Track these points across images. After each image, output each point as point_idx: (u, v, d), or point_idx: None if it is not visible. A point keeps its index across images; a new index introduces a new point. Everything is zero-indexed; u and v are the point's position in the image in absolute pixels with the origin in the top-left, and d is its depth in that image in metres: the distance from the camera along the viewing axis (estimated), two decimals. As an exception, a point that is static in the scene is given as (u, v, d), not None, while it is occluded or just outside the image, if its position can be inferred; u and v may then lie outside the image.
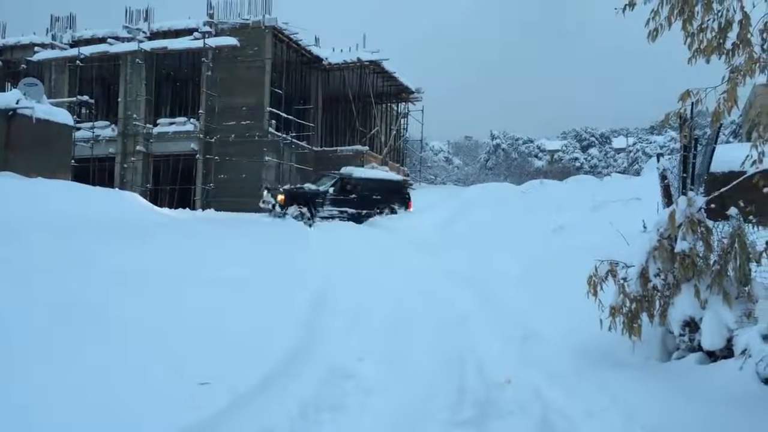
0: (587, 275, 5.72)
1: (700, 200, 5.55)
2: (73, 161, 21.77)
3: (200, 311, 6.83)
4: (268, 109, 29.33)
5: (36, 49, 32.18)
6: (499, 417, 4.67)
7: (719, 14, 4.85)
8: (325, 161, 31.83)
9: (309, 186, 22.58)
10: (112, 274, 7.68)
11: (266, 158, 28.96)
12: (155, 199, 27.35)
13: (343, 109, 36.65)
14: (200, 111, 29.74)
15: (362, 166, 28.19)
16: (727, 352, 4.95)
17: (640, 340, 5.53)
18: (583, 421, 4.44)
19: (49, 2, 39.94)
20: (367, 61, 33.48)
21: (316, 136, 34.11)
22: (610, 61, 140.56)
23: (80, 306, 6.31)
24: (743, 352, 4.65)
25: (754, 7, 4.73)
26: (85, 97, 30.97)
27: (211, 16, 30.30)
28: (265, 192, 22.70)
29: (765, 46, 4.68)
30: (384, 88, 36.81)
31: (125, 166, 30.54)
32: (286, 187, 23.55)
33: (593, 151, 72.45)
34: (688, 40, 4.99)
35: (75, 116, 25.86)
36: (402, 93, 38.75)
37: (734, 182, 5.82)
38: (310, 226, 18.88)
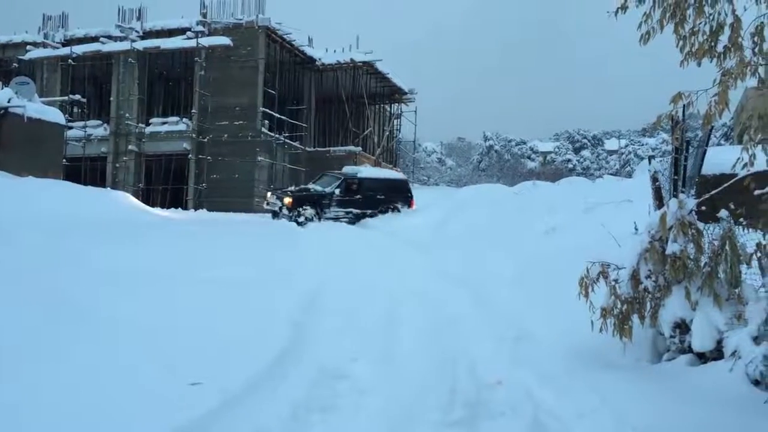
0: (579, 277, 5.74)
1: (691, 202, 5.57)
2: (64, 160, 21.68)
3: (192, 311, 6.81)
4: (261, 109, 29.30)
5: (28, 47, 32.05)
6: (490, 418, 4.68)
7: (711, 17, 4.88)
8: (318, 162, 31.82)
9: (315, 187, 22.46)
10: (102, 273, 7.66)
11: (259, 158, 28.92)
12: (147, 198, 27.27)
13: (336, 109, 36.67)
14: (193, 111, 29.68)
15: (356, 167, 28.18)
16: (718, 353, 4.97)
17: (631, 342, 5.55)
18: (574, 422, 4.45)
19: (41, 1, 39.82)
20: (360, 62, 33.51)
21: (309, 137, 34.10)
22: (602, 63, 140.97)
23: (71, 305, 6.28)
24: (733, 354, 4.67)
25: (745, 10, 4.76)
26: (77, 96, 30.85)
27: (204, 15, 30.25)
28: (269, 194, 22.62)
29: (756, 50, 4.71)
30: (377, 89, 36.84)
31: (117, 165, 30.44)
32: (292, 188, 23.48)
33: (586, 152, 72.70)
34: (680, 43, 5.02)
35: (67, 115, 25.77)
36: (395, 94, 38.79)
37: (725, 185, 5.85)
38: (301, 225, 18.85)
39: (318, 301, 8.27)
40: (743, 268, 5.13)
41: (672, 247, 5.29)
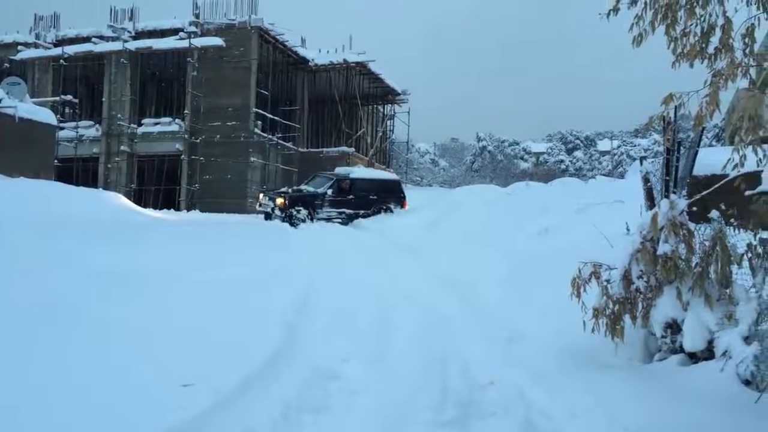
0: (571, 277, 5.75)
1: (683, 203, 5.59)
2: (56, 161, 21.62)
3: (184, 312, 6.80)
4: (253, 109, 29.27)
5: (19, 48, 31.92)
6: (482, 418, 4.68)
7: (702, 19, 4.90)
8: (311, 162, 31.81)
9: (307, 188, 22.45)
10: (93, 274, 7.63)
11: (252, 159, 28.88)
12: (139, 199, 27.19)
13: (329, 110, 36.67)
14: (185, 111, 29.62)
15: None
16: (709, 353, 4.99)
17: (622, 342, 5.56)
18: (566, 421, 4.46)
19: (32, 1, 39.67)
20: (353, 63, 33.52)
21: (302, 137, 34.08)
22: (596, 65, 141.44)
23: (62, 306, 6.26)
24: (724, 354, 4.69)
25: (736, 11, 4.78)
26: (69, 97, 30.74)
27: (196, 16, 30.19)
28: (261, 195, 22.60)
29: (747, 51, 4.73)
30: (370, 90, 36.86)
31: (109, 166, 30.36)
32: (284, 189, 23.46)
33: (578, 153, 72.94)
34: (672, 44, 5.04)
35: (58, 116, 25.65)
36: (388, 95, 38.82)
37: (716, 185, 5.87)
38: (294, 226, 18.84)
39: (310, 302, 8.26)
40: (734, 268, 5.15)
41: (663, 248, 5.30)
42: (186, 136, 29.29)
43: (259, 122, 29.76)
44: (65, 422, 4.05)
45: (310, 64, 33.67)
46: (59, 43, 31.87)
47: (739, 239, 5.21)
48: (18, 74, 26.49)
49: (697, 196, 5.89)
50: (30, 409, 4.15)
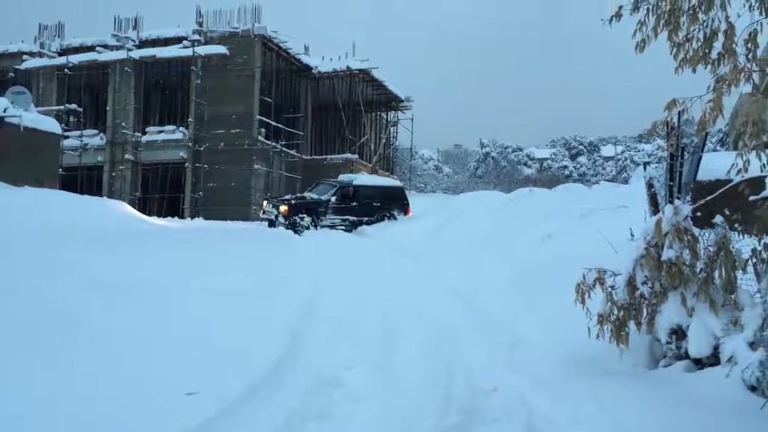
0: (575, 283, 5.73)
1: (687, 208, 5.57)
2: (60, 170, 21.69)
3: (188, 320, 6.79)
4: (257, 117, 29.33)
5: (24, 57, 32.06)
6: (485, 423, 4.67)
7: (704, 24, 4.90)
8: (314, 169, 31.86)
9: (311, 195, 22.46)
10: (98, 283, 7.63)
11: (255, 167, 28.93)
12: (144, 207, 27.24)
13: (332, 117, 36.72)
14: (189, 119, 29.70)
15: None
16: (714, 359, 4.97)
17: (627, 348, 5.54)
18: (570, 428, 4.45)
19: (37, 10, 39.92)
20: (356, 70, 33.57)
21: (306, 145, 34.13)
22: (599, 71, 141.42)
23: (67, 315, 6.27)
24: (729, 360, 4.67)
25: (738, 17, 4.78)
26: (74, 106, 30.86)
27: (200, 24, 30.30)
28: (265, 203, 22.64)
29: (750, 56, 4.72)
30: (373, 97, 36.90)
31: (114, 174, 30.43)
32: (288, 197, 23.47)
33: (582, 159, 72.90)
34: (675, 50, 5.04)
35: (63, 125, 25.73)
36: (391, 101, 38.86)
37: (720, 191, 5.86)
38: (298, 233, 18.86)
39: (314, 309, 8.26)
40: (739, 273, 5.13)
41: (668, 253, 5.29)
42: (190, 144, 29.36)
43: (263, 130, 29.81)
44: (71, 429, 4.06)
45: (313, 71, 33.74)
46: (64, 52, 31.99)
47: (744, 244, 5.19)
48: (23, 83, 26.61)
49: (701, 202, 5.86)
50: (36, 417, 4.16)
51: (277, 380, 5.41)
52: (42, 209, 12.49)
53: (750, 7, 4.74)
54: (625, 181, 31.95)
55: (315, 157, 34.47)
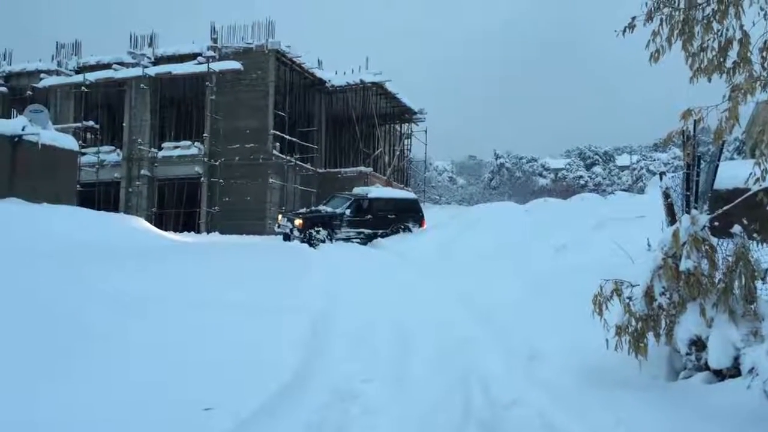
0: (592, 294, 5.70)
1: (704, 218, 5.54)
2: (78, 186, 21.87)
3: (203, 335, 6.82)
4: (271, 131, 29.47)
5: (42, 75, 32.48)
6: (505, 438, 4.64)
7: (719, 33, 4.89)
8: (329, 183, 31.93)
9: (326, 209, 22.55)
10: (117, 299, 7.68)
11: (270, 180, 29.05)
12: (160, 222, 27.40)
13: (346, 130, 36.83)
14: (204, 134, 29.90)
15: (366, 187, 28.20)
16: (735, 371, 4.91)
17: (646, 360, 5.49)
18: (589, 441, 4.41)
19: (54, 29, 40.45)
20: (370, 83, 33.68)
21: (320, 158, 34.25)
22: (613, 79, 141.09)
23: (86, 332, 6.32)
24: (751, 371, 4.61)
25: (753, 25, 4.77)
26: (91, 123, 31.17)
27: (214, 40, 30.54)
28: (280, 216, 22.69)
29: (765, 64, 4.70)
30: (387, 109, 36.99)
31: (130, 190, 30.67)
32: (303, 210, 23.56)
33: (597, 169, 72.57)
34: (689, 60, 5.03)
35: (80, 141, 25.98)
36: (405, 114, 38.93)
37: (738, 200, 5.81)
38: (313, 246, 18.89)
39: (329, 323, 8.26)
40: (758, 283, 5.09)
41: (686, 264, 5.25)
42: (205, 159, 29.55)
43: (278, 144, 29.95)
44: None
45: (327, 85, 33.90)
46: (81, 70, 32.37)
47: (763, 254, 5.15)
48: (41, 101, 26.92)
49: (719, 211, 5.82)
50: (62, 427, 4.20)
51: (294, 394, 5.41)
52: (60, 226, 12.61)
53: (765, 15, 4.72)
54: (641, 191, 31.78)
55: (329, 170, 34.57)
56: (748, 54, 4.73)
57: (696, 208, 6.05)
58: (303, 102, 33.69)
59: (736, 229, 5.26)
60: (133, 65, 31.23)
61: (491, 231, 16.92)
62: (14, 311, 6.44)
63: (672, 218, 7.34)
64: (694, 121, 5.13)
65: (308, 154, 32.84)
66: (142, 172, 30.49)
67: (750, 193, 5.30)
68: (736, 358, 4.91)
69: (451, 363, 6.66)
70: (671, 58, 5.12)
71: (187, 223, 28.95)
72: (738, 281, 5.07)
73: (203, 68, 29.54)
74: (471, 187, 71.82)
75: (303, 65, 32.11)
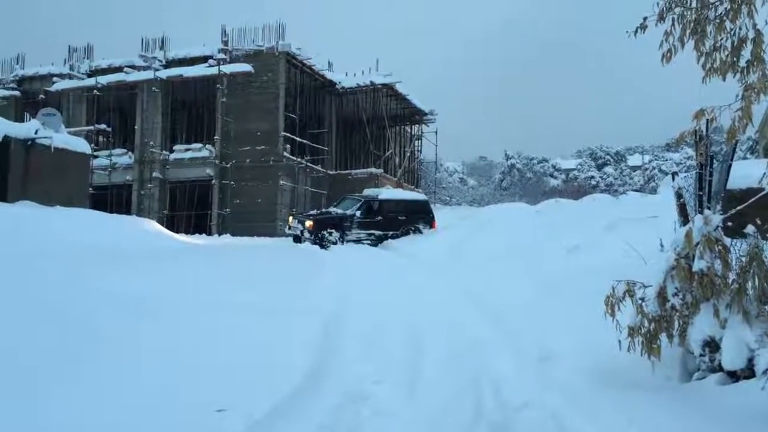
0: (604, 295, 5.67)
1: (717, 218, 5.50)
2: (91, 189, 22.02)
3: (214, 338, 6.83)
4: (282, 133, 29.56)
5: (54, 79, 32.75)
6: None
7: (732, 33, 4.87)
8: (340, 184, 31.98)
9: (336, 210, 22.60)
10: (130, 301, 7.72)
11: (281, 182, 29.12)
12: (172, 225, 27.51)
13: (357, 132, 36.90)
14: (215, 137, 30.03)
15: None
16: (749, 372, 4.88)
17: (659, 361, 5.45)
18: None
19: (67, 33, 40.73)
20: (380, 85, 33.72)
21: (331, 160, 34.30)
22: (625, 78, 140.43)
23: (98, 334, 6.35)
24: (765, 372, 4.58)
25: (766, 24, 4.74)
26: (103, 126, 31.41)
27: (225, 43, 30.68)
28: (291, 218, 22.76)
29: (778, 63, 4.67)
30: (397, 111, 37.03)
31: (142, 192, 30.84)
32: (314, 212, 23.61)
33: (609, 169, 72.27)
34: (702, 59, 5.00)
35: (92, 144, 26.16)
36: (415, 115, 38.95)
37: (751, 199, 5.78)
38: (325, 248, 18.93)
39: (341, 324, 8.27)
40: (772, 284, 5.05)
41: (699, 264, 5.22)
42: (216, 161, 29.68)
43: (288, 146, 30.03)
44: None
45: (337, 86, 33.96)
46: (93, 73, 32.59)
47: (777, 254, 5.11)
48: (53, 105, 27.14)
49: (732, 211, 5.79)
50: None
51: (306, 395, 5.42)
52: (73, 228, 12.67)
53: (778, 13, 4.70)
54: (654, 191, 31.63)
55: (340, 172, 34.61)
56: (762, 53, 4.70)
57: (709, 208, 6.03)
58: (313, 104, 33.76)
59: (750, 229, 5.23)
60: (145, 68, 31.42)
61: (502, 232, 16.89)
62: (26, 315, 6.48)
63: (685, 218, 7.31)
64: (707, 120, 5.11)
65: (319, 155, 32.90)
66: (154, 174, 30.66)
67: (764, 192, 5.27)
68: (750, 359, 4.87)
69: (462, 364, 6.64)
70: (684, 54, 5.09)
71: (199, 226, 29.06)
72: (752, 282, 5.04)
73: (214, 71, 29.67)
74: (482, 188, 71.73)
75: (313, 67, 32.19)
